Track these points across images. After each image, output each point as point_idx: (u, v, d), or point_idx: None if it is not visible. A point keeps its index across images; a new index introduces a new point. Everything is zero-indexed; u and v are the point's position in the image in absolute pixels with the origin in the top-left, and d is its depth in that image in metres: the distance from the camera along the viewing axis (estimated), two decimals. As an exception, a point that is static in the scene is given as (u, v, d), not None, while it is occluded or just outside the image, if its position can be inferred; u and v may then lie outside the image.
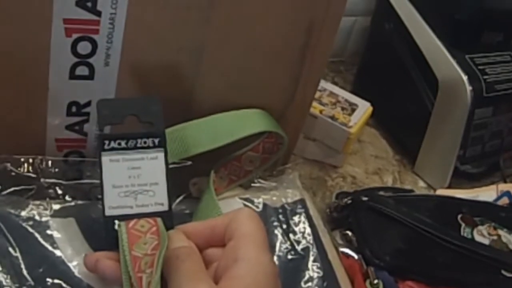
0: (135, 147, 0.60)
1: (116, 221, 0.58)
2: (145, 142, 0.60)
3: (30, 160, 0.67)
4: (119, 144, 0.60)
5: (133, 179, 0.59)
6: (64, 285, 0.58)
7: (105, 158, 0.59)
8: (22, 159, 0.67)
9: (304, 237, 0.71)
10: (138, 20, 0.63)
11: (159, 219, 0.58)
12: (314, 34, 0.72)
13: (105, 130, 0.62)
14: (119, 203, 0.59)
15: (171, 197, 0.61)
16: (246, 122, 0.73)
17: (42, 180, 0.67)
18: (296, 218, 0.73)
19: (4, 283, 0.56)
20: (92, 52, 0.63)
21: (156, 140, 0.61)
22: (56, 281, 0.58)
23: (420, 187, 1.03)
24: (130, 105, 0.62)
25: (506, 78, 1.02)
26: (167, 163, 0.61)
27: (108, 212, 0.58)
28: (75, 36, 0.62)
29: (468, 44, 1.02)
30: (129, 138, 0.60)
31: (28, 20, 0.59)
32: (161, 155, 0.61)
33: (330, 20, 0.72)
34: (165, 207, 0.60)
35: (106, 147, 0.59)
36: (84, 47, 0.63)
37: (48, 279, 0.58)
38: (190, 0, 0.64)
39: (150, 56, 0.67)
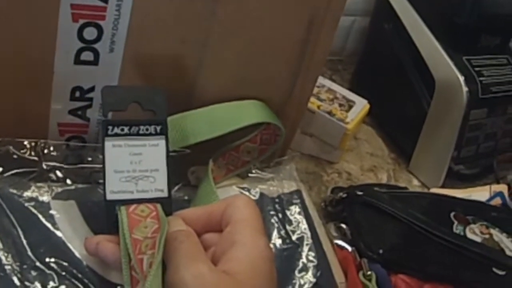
0: (138, 134, 0.61)
1: (117, 206, 0.59)
2: (147, 129, 0.62)
3: (33, 144, 0.68)
4: (122, 130, 0.61)
5: (135, 165, 0.61)
6: (64, 264, 0.59)
7: (108, 143, 0.60)
8: (25, 142, 0.67)
9: (299, 227, 0.72)
10: (144, 9, 0.64)
11: (158, 205, 0.59)
12: (314, 29, 0.73)
13: (109, 116, 0.63)
14: (120, 188, 0.60)
15: (171, 184, 0.62)
16: (244, 113, 0.74)
17: (44, 163, 0.68)
18: (292, 208, 0.74)
19: (5, 261, 0.57)
20: (98, 38, 0.64)
21: (158, 128, 0.62)
22: (57, 260, 0.59)
23: (414, 186, 1.04)
24: (134, 93, 0.63)
25: (502, 81, 1.03)
26: (168, 151, 0.62)
27: (109, 196, 0.59)
28: (81, 21, 0.63)
29: (465, 46, 1.03)
30: (132, 124, 0.61)
31: (36, 5, 0.60)
32: (162, 142, 0.62)
33: (330, 16, 0.73)
34: (165, 193, 0.61)
35: (109, 132, 0.60)
36: (90, 33, 0.64)
37: (49, 259, 0.59)
38: (196, -8, 0.65)
39: (154, 45, 0.67)
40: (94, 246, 0.58)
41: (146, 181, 0.61)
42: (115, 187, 0.59)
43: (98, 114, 0.70)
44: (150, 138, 0.62)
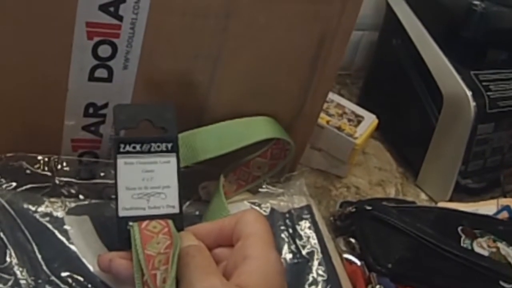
0: (149, 151, 0.62)
1: (129, 222, 0.59)
2: (158, 147, 0.62)
3: (46, 159, 0.69)
4: (134, 147, 0.61)
5: (146, 182, 0.61)
6: (79, 279, 0.59)
7: (120, 161, 0.61)
8: (38, 158, 0.68)
9: (309, 242, 0.72)
10: (158, 26, 0.64)
11: (170, 221, 0.60)
12: (325, 46, 0.74)
13: (121, 133, 0.64)
14: (132, 204, 0.60)
15: (182, 200, 0.63)
16: (254, 129, 0.74)
17: (56, 178, 0.68)
18: (302, 223, 0.74)
19: (20, 276, 0.58)
20: (112, 56, 0.65)
21: (169, 145, 0.63)
22: (71, 275, 0.60)
23: (422, 200, 1.04)
24: (145, 111, 0.64)
25: (509, 95, 1.03)
26: (179, 167, 0.63)
27: (122, 213, 0.60)
28: (96, 39, 0.63)
29: (473, 61, 1.03)
30: (143, 142, 0.62)
31: (52, 22, 0.61)
32: (173, 159, 0.63)
33: (341, 32, 0.73)
34: (176, 210, 0.62)
35: (121, 150, 0.61)
36: (104, 50, 0.64)
37: (63, 273, 0.59)
38: (208, 9, 0.66)
39: (167, 61, 0.68)
40: (107, 263, 0.59)
41: (158, 197, 0.61)
42: (127, 204, 0.60)
43: (111, 130, 0.71)
44: (161, 155, 0.62)
